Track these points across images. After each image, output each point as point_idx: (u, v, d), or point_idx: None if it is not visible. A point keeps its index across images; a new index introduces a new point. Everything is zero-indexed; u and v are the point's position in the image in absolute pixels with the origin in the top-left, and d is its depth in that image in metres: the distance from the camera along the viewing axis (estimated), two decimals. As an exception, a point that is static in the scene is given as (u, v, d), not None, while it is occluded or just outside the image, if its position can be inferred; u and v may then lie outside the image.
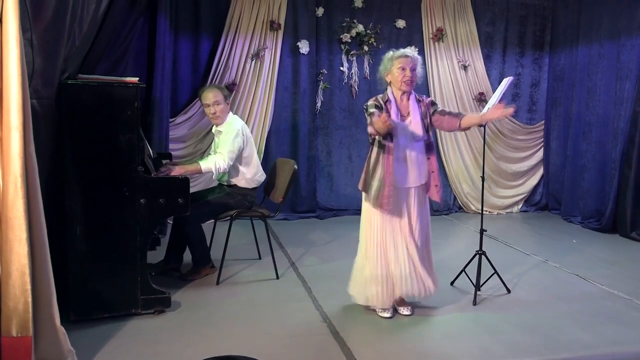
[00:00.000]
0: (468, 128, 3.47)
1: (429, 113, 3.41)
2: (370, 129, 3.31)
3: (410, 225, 3.40)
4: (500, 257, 4.74)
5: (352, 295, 3.54)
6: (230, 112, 4.27)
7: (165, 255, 4.26)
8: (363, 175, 3.42)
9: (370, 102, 3.36)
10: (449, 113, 3.41)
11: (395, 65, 3.33)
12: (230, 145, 4.03)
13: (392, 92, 3.39)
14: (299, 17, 6.18)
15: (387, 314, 3.46)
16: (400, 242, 3.39)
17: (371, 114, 3.27)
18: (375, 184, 3.34)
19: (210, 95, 4.11)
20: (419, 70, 3.40)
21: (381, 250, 3.39)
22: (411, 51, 3.39)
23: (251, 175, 4.21)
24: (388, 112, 3.31)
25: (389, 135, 3.29)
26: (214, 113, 4.12)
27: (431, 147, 3.43)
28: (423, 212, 3.46)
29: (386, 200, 3.30)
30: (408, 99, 3.40)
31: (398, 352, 3.05)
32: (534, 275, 4.40)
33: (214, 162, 3.99)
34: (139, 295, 3.33)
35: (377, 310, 3.49)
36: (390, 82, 3.40)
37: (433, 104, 3.46)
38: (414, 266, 3.40)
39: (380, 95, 3.41)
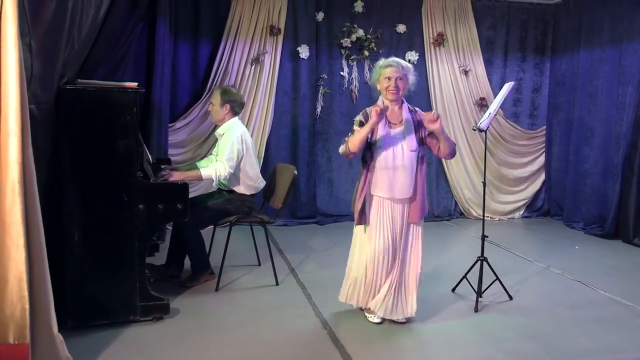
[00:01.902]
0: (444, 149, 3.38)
1: (424, 130, 3.36)
2: (341, 148, 3.33)
3: (395, 243, 3.35)
4: (502, 263, 4.73)
5: (341, 292, 3.58)
6: (236, 118, 4.28)
7: (166, 261, 4.26)
8: (353, 194, 3.45)
9: (358, 117, 3.36)
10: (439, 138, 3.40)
11: (382, 75, 3.35)
12: (229, 152, 4.04)
13: (383, 102, 3.39)
14: (299, 21, 6.19)
15: (376, 319, 3.46)
16: (390, 256, 3.35)
17: (352, 132, 3.34)
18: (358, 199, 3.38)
19: (212, 95, 4.35)
20: (411, 78, 3.38)
21: (366, 260, 3.37)
22: (398, 60, 3.37)
23: (250, 182, 4.21)
24: (373, 131, 3.29)
25: (369, 152, 3.31)
26: (209, 110, 4.44)
27: (422, 160, 3.39)
28: (411, 229, 3.40)
29: (360, 211, 3.33)
30: (400, 107, 3.39)
31: (399, 359, 3.04)
32: (536, 282, 4.39)
33: (215, 170, 4.00)
34: (137, 302, 3.33)
35: (367, 315, 3.50)
36: (380, 91, 3.42)
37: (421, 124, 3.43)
38: (393, 286, 3.37)
39: (371, 107, 3.37)
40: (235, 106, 4.26)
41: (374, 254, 3.35)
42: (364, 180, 3.35)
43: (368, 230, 3.36)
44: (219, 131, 4.26)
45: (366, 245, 3.38)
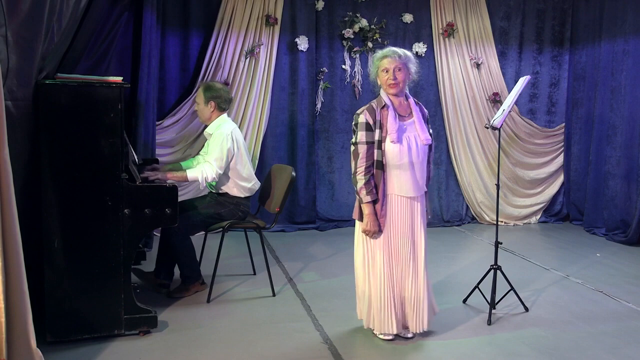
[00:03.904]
0: None
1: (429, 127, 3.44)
2: (359, 184, 3.28)
3: (413, 243, 3.35)
4: (517, 272, 4.74)
5: (363, 318, 3.52)
6: (224, 115, 4.30)
7: (155, 269, 4.26)
8: (357, 203, 3.37)
9: (362, 118, 3.29)
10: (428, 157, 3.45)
11: (380, 68, 3.33)
12: (218, 152, 4.05)
13: (387, 95, 3.36)
14: (297, 11, 6.21)
15: (388, 337, 3.44)
16: (402, 263, 3.35)
17: (355, 143, 3.30)
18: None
19: (197, 94, 4.39)
20: (412, 67, 3.35)
21: (382, 272, 3.33)
22: (394, 50, 3.35)
23: (244, 182, 4.22)
24: (382, 125, 3.27)
25: (380, 150, 3.27)
26: (195, 110, 4.51)
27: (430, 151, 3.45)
28: (424, 228, 3.42)
29: (382, 215, 3.29)
30: (406, 99, 3.40)
31: (405, 376, 3.05)
32: (553, 292, 4.39)
33: (201, 172, 4.01)
34: (122, 315, 3.33)
35: (376, 332, 3.47)
36: (381, 85, 3.39)
37: (427, 121, 3.45)
38: (413, 293, 3.36)
39: (375, 101, 3.36)
40: (221, 102, 4.26)
41: (389, 265, 3.33)
42: (382, 180, 3.29)
43: (382, 237, 3.33)
44: (207, 130, 4.28)
45: (380, 256, 3.33)
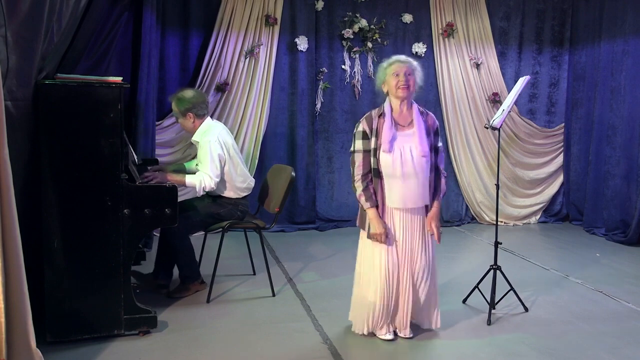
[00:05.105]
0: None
1: (435, 139, 3.41)
2: (358, 191, 3.32)
3: (413, 253, 3.37)
4: (517, 272, 4.74)
5: (353, 322, 3.55)
6: (207, 119, 4.27)
7: (154, 270, 4.27)
8: (359, 211, 3.42)
9: (360, 126, 3.34)
10: (437, 169, 3.42)
11: (389, 73, 3.34)
12: (210, 162, 4.03)
13: (390, 104, 3.38)
14: (297, 11, 6.21)
15: (389, 336, 3.44)
16: (404, 272, 3.37)
17: (353, 151, 3.35)
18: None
19: (172, 107, 4.29)
20: (419, 75, 3.38)
21: (383, 280, 3.34)
22: (405, 57, 3.40)
23: (239, 183, 4.22)
24: (378, 133, 3.29)
25: (375, 158, 3.29)
26: (180, 124, 4.40)
27: (438, 170, 3.42)
28: (427, 239, 3.42)
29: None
30: (410, 108, 3.39)
31: (405, 376, 3.05)
32: (553, 292, 4.39)
33: (200, 180, 4.00)
34: (122, 315, 3.33)
35: (378, 332, 3.47)
36: (387, 92, 3.40)
37: (437, 133, 3.43)
38: (416, 298, 3.42)
39: (376, 110, 3.40)
40: (197, 110, 4.19)
41: (390, 271, 3.34)
42: (380, 189, 3.31)
43: (379, 249, 3.34)
44: (194, 138, 4.23)
45: (378, 262, 3.35)
